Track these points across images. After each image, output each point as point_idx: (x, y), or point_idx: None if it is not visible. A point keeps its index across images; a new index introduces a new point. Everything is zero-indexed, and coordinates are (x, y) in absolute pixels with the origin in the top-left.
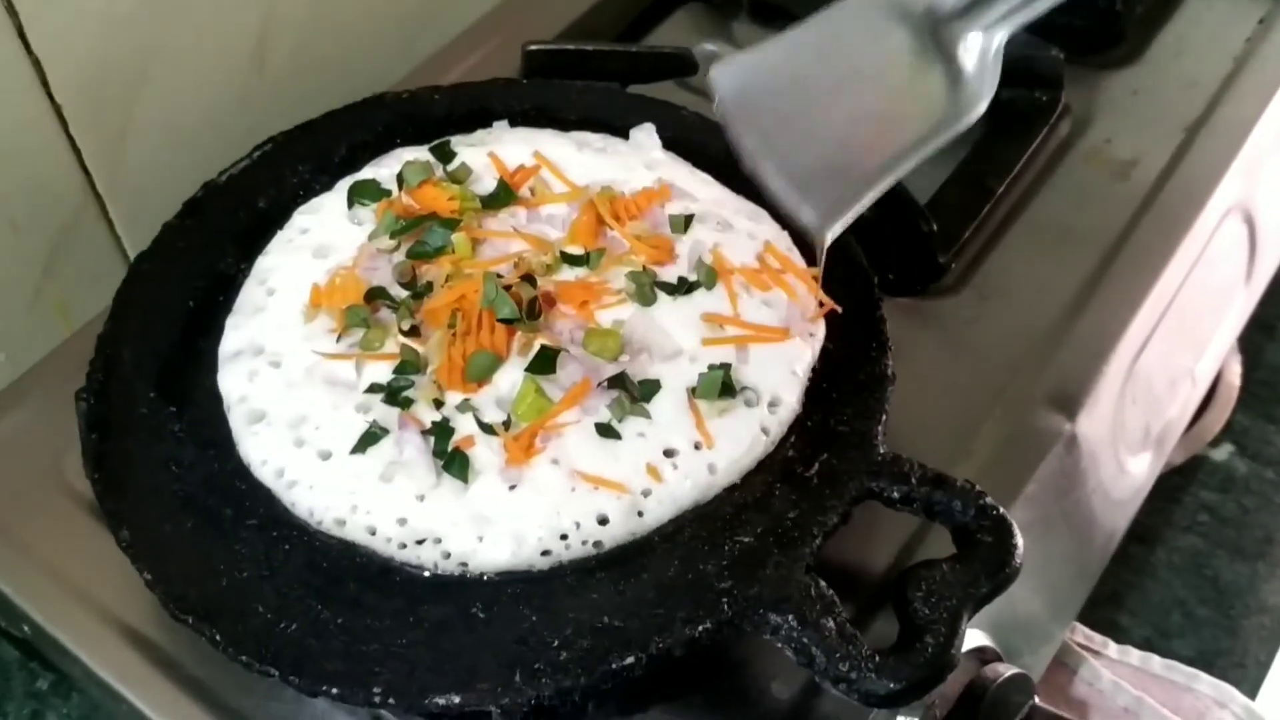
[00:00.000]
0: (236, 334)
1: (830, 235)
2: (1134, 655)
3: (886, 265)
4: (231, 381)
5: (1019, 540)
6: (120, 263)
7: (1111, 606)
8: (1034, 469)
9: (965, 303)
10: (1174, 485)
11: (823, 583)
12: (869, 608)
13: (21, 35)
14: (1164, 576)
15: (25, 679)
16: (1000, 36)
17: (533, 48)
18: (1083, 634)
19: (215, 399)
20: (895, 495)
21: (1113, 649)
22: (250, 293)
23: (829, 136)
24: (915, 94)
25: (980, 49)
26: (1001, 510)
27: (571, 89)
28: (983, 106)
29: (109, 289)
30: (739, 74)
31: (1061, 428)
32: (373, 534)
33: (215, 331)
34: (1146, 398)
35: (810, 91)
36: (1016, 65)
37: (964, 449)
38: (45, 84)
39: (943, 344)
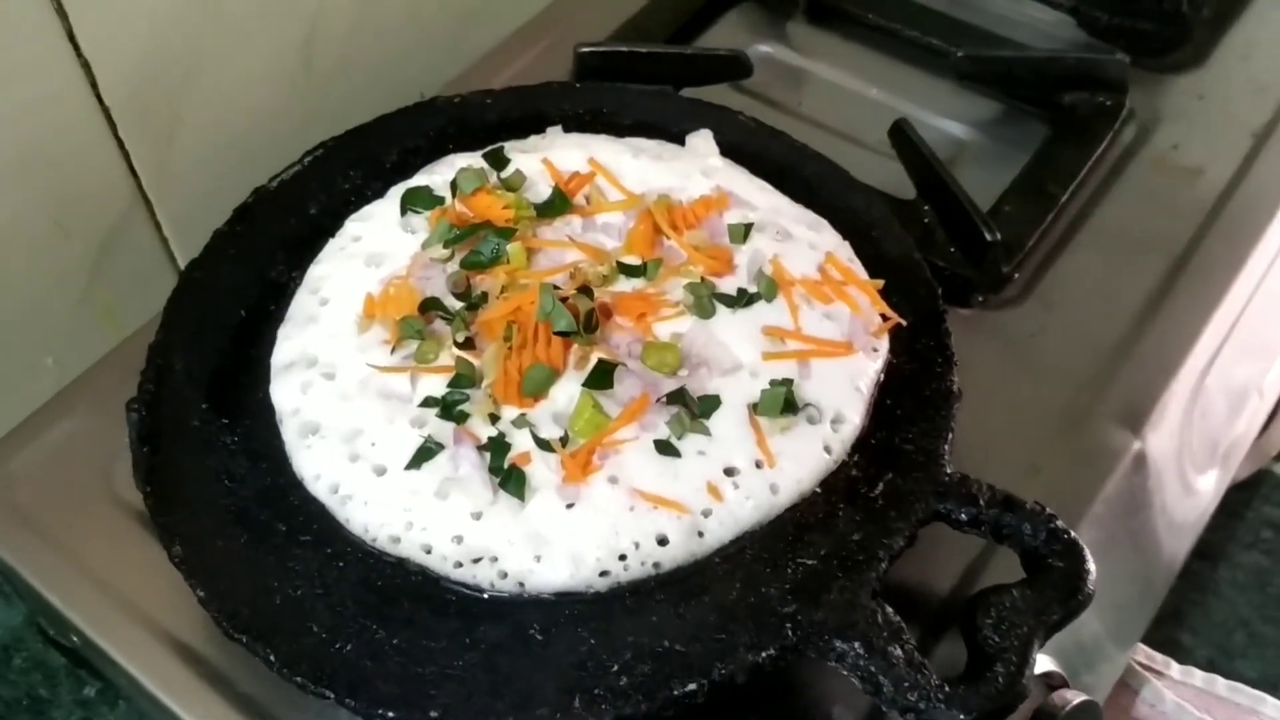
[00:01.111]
0: (289, 344)
1: None
2: (1197, 676)
3: (948, 275)
4: (284, 393)
5: (1091, 566)
6: (168, 265)
7: (1173, 624)
8: (1100, 488)
9: (1029, 314)
10: (1237, 500)
11: (889, 608)
12: (934, 630)
13: (71, 37)
14: (1227, 594)
15: (73, 685)
16: None
17: (584, 50)
18: (1144, 653)
19: (268, 411)
20: (963, 518)
21: (1175, 670)
22: (302, 302)
23: None
24: None
25: None
26: (1073, 534)
27: (626, 93)
28: None
29: (156, 293)
30: None
31: (1129, 445)
32: (428, 552)
33: (267, 342)
34: (1214, 412)
35: None
36: (1080, 68)
37: (1029, 466)
38: (94, 86)
39: (1006, 357)
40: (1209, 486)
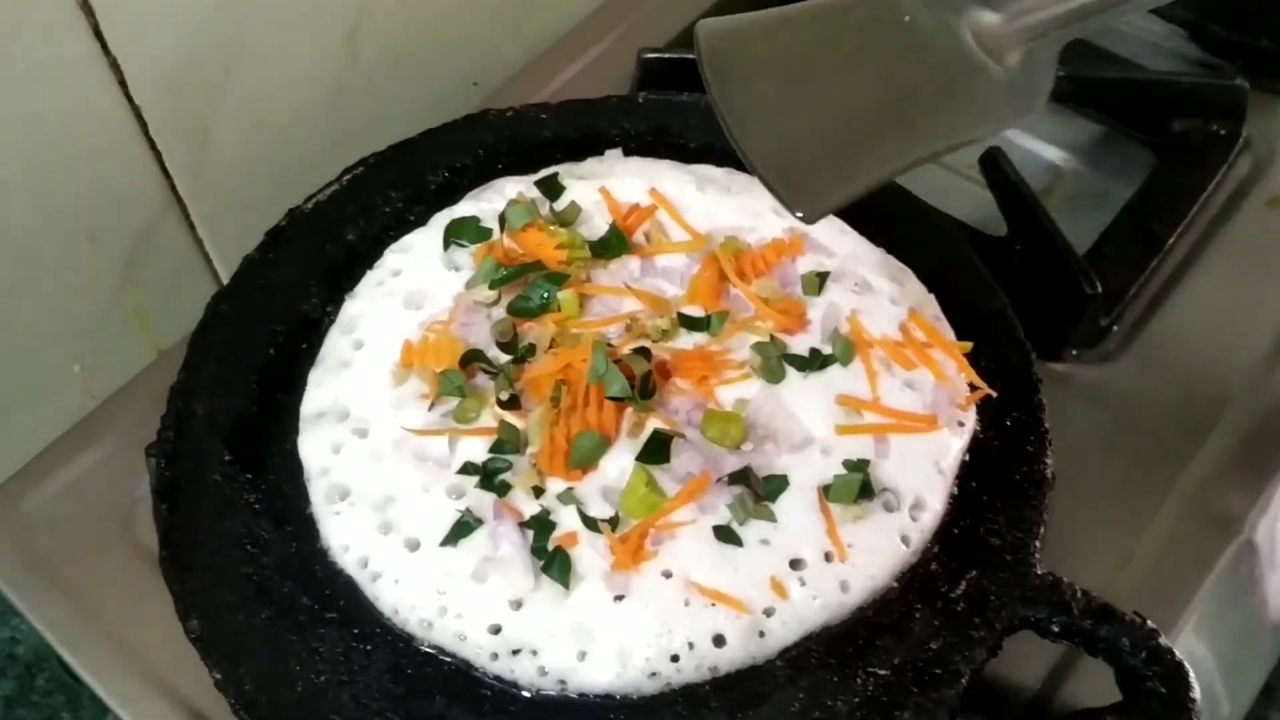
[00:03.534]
0: (319, 392)
1: (815, 223)
2: None
3: (1038, 325)
4: (313, 450)
5: (1197, 694)
6: (203, 267)
7: (1262, 702)
8: (1202, 581)
9: (1127, 372)
10: None
11: None
12: None
13: (98, 34)
14: None
15: (96, 710)
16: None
17: (648, 55)
18: None
19: (295, 464)
20: (1054, 628)
21: None
22: (335, 343)
23: (827, 119)
24: (938, 84)
25: (1026, 54)
26: (1177, 655)
27: (693, 111)
28: (1022, 112)
29: (191, 294)
30: (730, 36)
31: (1236, 530)
32: (463, 640)
33: (297, 386)
34: None
35: (811, 68)
36: (1192, 92)
37: (1121, 552)
38: (123, 84)
39: (1099, 420)
40: None
